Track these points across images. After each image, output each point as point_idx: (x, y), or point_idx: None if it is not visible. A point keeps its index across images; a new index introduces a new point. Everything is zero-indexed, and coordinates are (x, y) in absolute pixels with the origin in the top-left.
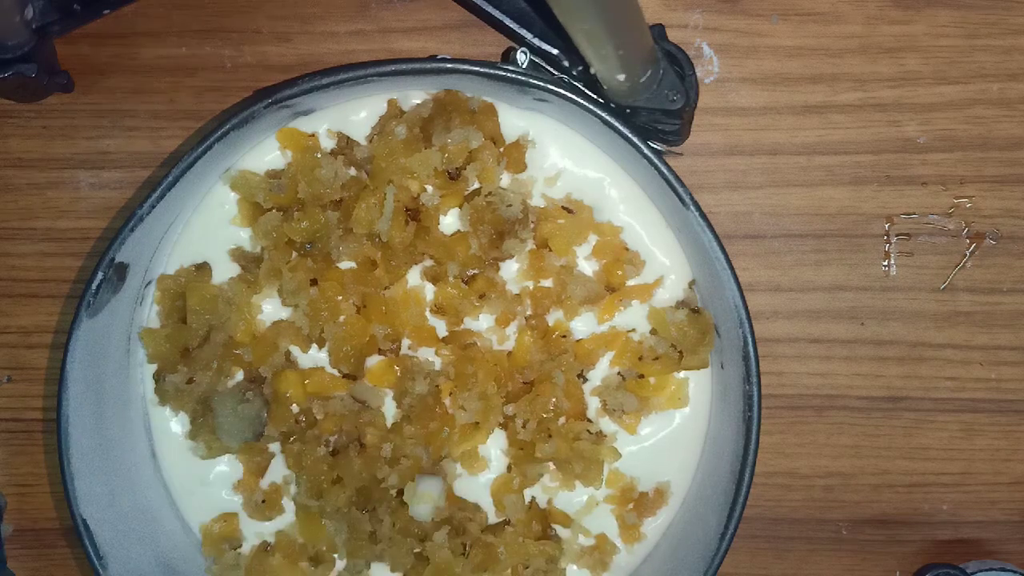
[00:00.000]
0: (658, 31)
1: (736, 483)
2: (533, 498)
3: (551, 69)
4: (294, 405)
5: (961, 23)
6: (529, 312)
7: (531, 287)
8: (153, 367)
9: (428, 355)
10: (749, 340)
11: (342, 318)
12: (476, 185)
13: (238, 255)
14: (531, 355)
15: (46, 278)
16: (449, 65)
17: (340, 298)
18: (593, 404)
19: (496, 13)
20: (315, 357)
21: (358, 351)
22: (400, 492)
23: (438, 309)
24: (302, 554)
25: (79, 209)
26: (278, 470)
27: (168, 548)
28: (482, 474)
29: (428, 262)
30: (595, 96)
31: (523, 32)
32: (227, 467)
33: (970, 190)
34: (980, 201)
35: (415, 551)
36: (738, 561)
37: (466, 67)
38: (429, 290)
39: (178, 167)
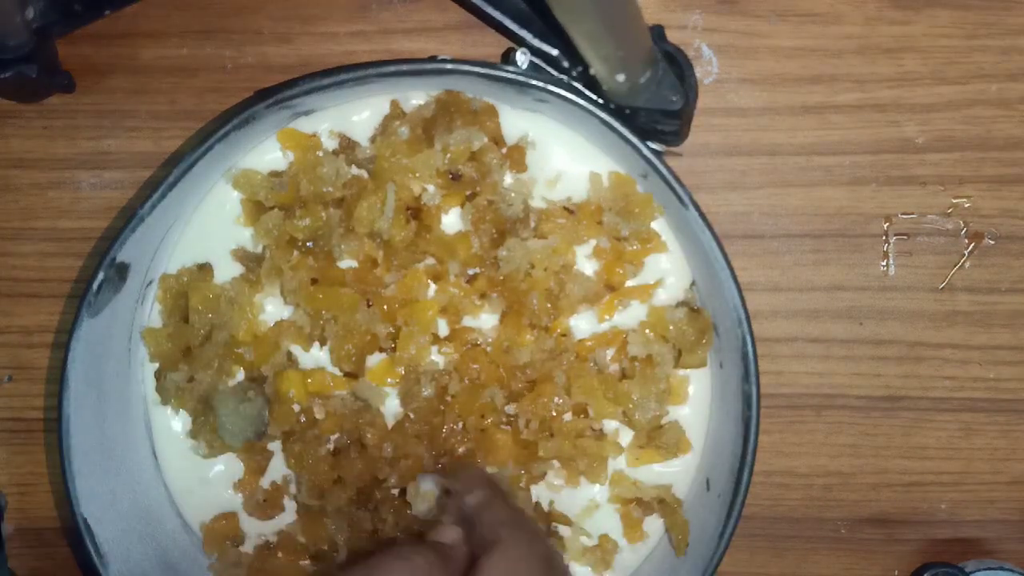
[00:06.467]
0: (657, 32)
1: (735, 482)
2: (537, 499)
3: (551, 70)
4: (296, 404)
5: (960, 23)
6: None
7: None
8: (154, 366)
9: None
10: (748, 340)
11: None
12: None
13: (240, 255)
14: (532, 354)
15: (47, 278)
16: (449, 66)
17: None
18: None
19: (496, 14)
20: (316, 357)
21: (359, 349)
22: (402, 491)
23: (439, 308)
24: (304, 552)
25: (80, 209)
26: (278, 469)
27: (169, 547)
28: None
29: (429, 261)
30: (595, 97)
31: (523, 33)
32: (228, 466)
33: (969, 190)
34: (979, 201)
35: None
36: (737, 560)
37: (466, 68)
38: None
39: (179, 167)
